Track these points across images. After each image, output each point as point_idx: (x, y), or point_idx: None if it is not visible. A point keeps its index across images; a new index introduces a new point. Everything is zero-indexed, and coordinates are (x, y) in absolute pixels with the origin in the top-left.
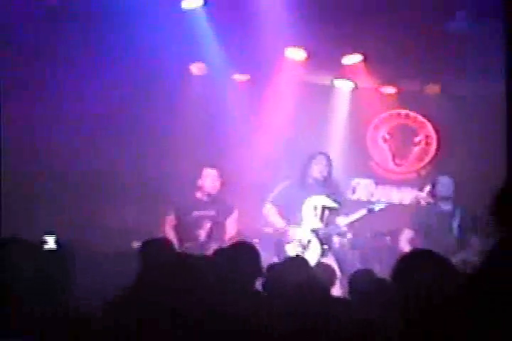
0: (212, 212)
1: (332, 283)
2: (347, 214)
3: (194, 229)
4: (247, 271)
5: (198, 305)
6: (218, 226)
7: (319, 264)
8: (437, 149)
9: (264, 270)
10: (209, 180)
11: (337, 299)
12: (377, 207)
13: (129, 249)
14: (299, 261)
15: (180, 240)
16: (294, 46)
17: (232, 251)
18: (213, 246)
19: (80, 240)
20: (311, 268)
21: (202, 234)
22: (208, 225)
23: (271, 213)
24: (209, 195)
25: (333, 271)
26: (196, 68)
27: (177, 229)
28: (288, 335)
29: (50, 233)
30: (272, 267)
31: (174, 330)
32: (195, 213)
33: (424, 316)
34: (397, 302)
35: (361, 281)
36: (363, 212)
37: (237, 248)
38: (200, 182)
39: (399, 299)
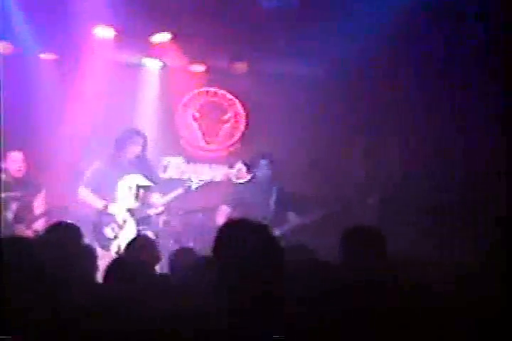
0: (18, 193)
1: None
2: (164, 193)
3: (1, 211)
4: (68, 252)
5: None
6: (25, 207)
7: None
8: (246, 127)
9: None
10: (14, 163)
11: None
12: (194, 185)
13: None
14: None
15: None
16: (103, 24)
17: (52, 232)
18: (20, 227)
19: None
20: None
21: (9, 215)
22: (14, 205)
23: (87, 195)
24: (14, 177)
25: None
26: (2, 47)
27: None
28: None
29: None
30: None
31: None
32: (1, 195)
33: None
34: (221, 278)
35: (180, 260)
36: (180, 190)
37: (57, 229)
38: (3, 165)
39: (222, 274)
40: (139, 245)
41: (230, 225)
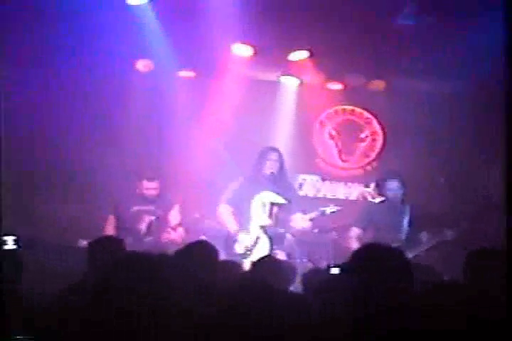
0: (152, 207)
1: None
2: (302, 212)
3: (134, 223)
4: (206, 269)
5: (162, 305)
6: (159, 219)
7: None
8: (383, 145)
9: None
10: (148, 190)
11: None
12: (328, 210)
13: (76, 247)
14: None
15: (121, 234)
16: (241, 42)
17: (189, 249)
18: (151, 240)
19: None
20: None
21: (142, 227)
22: (147, 219)
23: (225, 214)
24: (151, 194)
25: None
26: (142, 65)
27: (117, 223)
28: (252, 331)
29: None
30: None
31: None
32: (135, 208)
33: (384, 311)
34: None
35: (315, 279)
36: (313, 214)
37: (194, 247)
38: (143, 183)
39: (357, 294)
40: (265, 266)
41: (368, 249)
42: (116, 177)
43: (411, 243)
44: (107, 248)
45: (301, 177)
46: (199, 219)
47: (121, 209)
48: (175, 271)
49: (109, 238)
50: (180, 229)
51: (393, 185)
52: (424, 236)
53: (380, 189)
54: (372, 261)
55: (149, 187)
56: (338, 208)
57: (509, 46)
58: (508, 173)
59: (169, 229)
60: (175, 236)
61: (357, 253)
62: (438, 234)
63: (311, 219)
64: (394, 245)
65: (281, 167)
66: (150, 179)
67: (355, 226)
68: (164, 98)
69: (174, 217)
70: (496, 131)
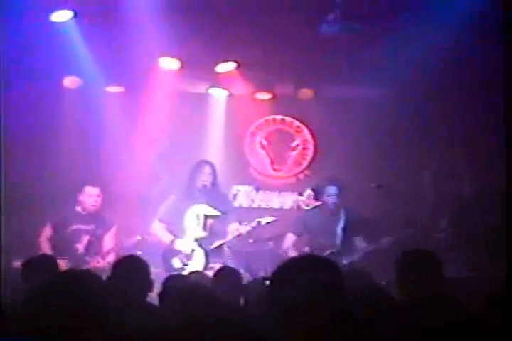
0: (91, 226)
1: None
2: (236, 222)
3: (72, 243)
4: (139, 285)
5: (94, 324)
6: (96, 240)
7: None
8: (314, 153)
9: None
10: (89, 197)
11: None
12: (264, 221)
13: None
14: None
15: (57, 253)
16: (168, 56)
17: (121, 265)
18: (90, 260)
19: None
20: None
21: (80, 247)
22: (86, 239)
23: (159, 230)
24: (89, 211)
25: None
26: (69, 81)
27: (53, 242)
28: None
29: None
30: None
31: None
32: (74, 226)
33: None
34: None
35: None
36: (248, 228)
37: (125, 262)
38: (80, 198)
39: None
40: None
41: (295, 260)
42: (51, 192)
43: (346, 249)
44: (40, 267)
45: (236, 188)
46: (139, 240)
47: (60, 227)
48: (108, 287)
49: (43, 257)
50: (112, 256)
51: (332, 191)
52: (359, 242)
53: (317, 195)
54: (299, 273)
55: (92, 194)
56: (274, 218)
57: (430, 54)
58: (508, 173)
59: (98, 258)
60: (103, 264)
61: (283, 265)
62: (374, 241)
63: (247, 231)
64: (329, 251)
65: (215, 179)
66: (92, 184)
67: (291, 232)
68: (95, 114)
69: (109, 240)
70: (424, 133)
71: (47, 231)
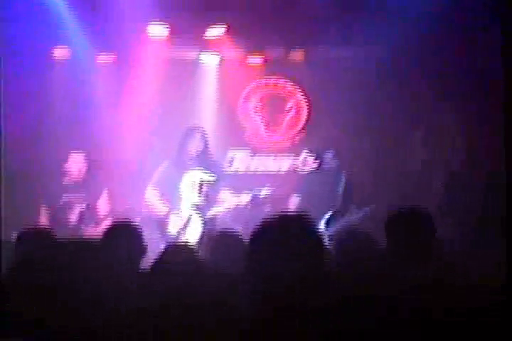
0: (82, 194)
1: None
2: (232, 188)
3: (65, 214)
4: (132, 251)
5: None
6: (88, 207)
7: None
8: (308, 115)
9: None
10: (75, 165)
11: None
12: (262, 193)
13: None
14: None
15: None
16: (156, 22)
17: (113, 232)
18: (85, 229)
19: None
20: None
21: (73, 217)
22: (77, 208)
23: (152, 198)
24: (76, 179)
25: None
26: (59, 52)
27: (49, 215)
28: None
29: None
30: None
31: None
32: (65, 197)
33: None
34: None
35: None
36: (248, 198)
37: (117, 229)
38: (66, 167)
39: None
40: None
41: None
42: (43, 166)
43: (344, 212)
44: (36, 239)
45: (231, 153)
46: (130, 208)
47: (52, 199)
48: (102, 254)
49: (38, 229)
50: (108, 221)
51: (328, 157)
52: (354, 207)
53: (316, 157)
54: (278, 233)
55: (77, 161)
56: (271, 190)
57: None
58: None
59: (94, 224)
60: (99, 230)
61: (263, 224)
62: (370, 204)
63: (246, 203)
64: (330, 212)
65: (206, 145)
66: (77, 150)
67: (293, 194)
68: (84, 84)
69: (102, 207)
70: (423, 95)
71: (42, 209)
